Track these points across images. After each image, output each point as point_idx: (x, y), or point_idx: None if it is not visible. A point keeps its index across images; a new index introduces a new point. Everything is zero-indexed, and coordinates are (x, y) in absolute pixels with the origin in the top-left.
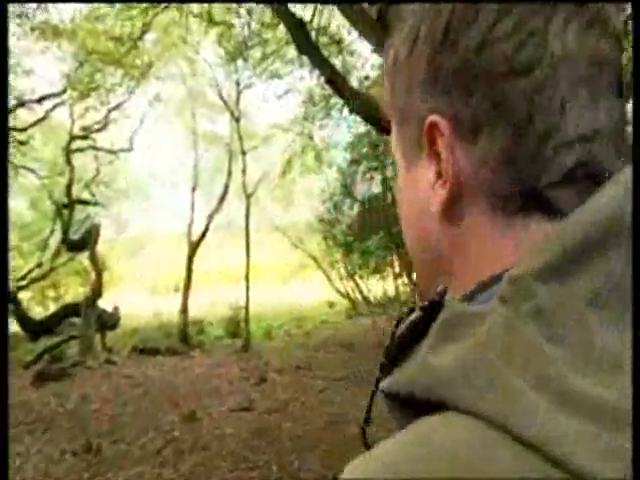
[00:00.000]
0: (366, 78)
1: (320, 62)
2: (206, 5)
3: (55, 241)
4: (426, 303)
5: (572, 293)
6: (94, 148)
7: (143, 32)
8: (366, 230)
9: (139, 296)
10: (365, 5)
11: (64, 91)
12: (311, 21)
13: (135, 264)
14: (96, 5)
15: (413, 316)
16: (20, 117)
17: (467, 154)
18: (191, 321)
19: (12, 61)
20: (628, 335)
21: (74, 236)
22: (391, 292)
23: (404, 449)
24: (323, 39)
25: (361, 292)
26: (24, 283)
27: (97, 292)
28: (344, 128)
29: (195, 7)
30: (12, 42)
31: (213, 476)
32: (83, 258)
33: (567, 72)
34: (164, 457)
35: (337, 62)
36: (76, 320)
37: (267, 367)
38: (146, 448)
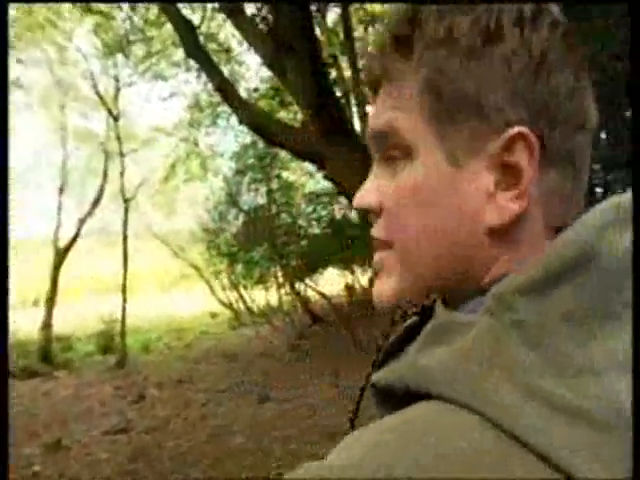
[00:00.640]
0: (255, 90)
1: (209, 68)
2: None
3: None
4: (418, 309)
5: (548, 309)
6: None
7: None
8: (251, 241)
9: None
10: (256, 18)
11: None
12: (199, 26)
13: None
14: None
15: (410, 321)
16: None
17: (540, 178)
18: (55, 337)
19: None
20: (601, 347)
21: None
22: (274, 302)
23: (389, 431)
24: (212, 45)
25: (244, 302)
26: None
27: None
28: (231, 137)
29: None
30: None
31: None
32: None
33: None
34: None
35: (225, 70)
36: None
37: (146, 383)
38: None
